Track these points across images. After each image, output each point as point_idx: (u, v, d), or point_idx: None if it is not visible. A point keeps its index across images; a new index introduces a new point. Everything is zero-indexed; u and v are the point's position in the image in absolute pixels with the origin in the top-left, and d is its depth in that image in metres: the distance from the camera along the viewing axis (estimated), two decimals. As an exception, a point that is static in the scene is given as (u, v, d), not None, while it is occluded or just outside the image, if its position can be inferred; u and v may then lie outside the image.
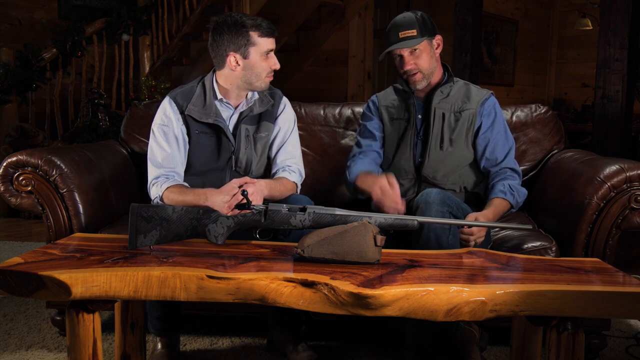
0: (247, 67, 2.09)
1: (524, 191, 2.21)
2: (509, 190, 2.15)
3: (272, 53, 2.11)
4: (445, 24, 5.87)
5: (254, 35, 2.06)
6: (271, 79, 2.15)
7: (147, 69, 6.01)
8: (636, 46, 4.08)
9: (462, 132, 2.21)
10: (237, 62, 2.08)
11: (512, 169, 2.22)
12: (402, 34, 2.14)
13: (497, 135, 2.23)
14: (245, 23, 2.06)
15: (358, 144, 2.37)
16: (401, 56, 2.18)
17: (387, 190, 1.98)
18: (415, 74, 2.18)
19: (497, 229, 2.23)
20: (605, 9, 4.11)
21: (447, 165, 2.21)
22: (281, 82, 6.40)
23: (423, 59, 2.17)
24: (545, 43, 8.47)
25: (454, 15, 5.23)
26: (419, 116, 2.26)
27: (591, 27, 7.13)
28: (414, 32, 2.13)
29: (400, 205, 1.97)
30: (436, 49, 2.22)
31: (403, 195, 2.22)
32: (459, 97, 2.24)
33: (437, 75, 2.25)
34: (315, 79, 6.79)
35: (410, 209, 2.04)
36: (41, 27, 5.97)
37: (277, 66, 2.13)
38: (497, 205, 2.12)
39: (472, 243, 1.97)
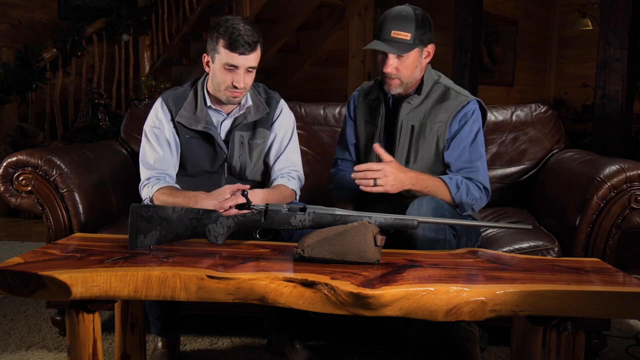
0: (212, 73, 2.06)
1: (476, 195, 1.98)
2: (457, 183, 1.95)
3: (239, 70, 1.99)
4: (445, 24, 5.88)
5: (221, 43, 1.98)
6: (235, 95, 2.04)
7: (147, 69, 6.01)
8: (636, 46, 4.08)
9: (432, 146, 2.05)
10: (207, 64, 2.06)
11: (476, 180, 2.00)
12: (394, 34, 1.95)
13: (463, 142, 2.02)
14: (222, 29, 1.97)
15: (339, 146, 2.32)
16: (385, 55, 1.99)
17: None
18: (393, 79, 2.01)
19: (492, 228, 2.23)
20: (605, 9, 4.10)
21: None
22: (281, 82, 6.42)
23: (406, 66, 1.99)
24: (545, 43, 8.47)
25: (454, 15, 5.23)
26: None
27: (591, 27, 7.13)
28: (407, 36, 1.95)
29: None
30: (425, 58, 2.04)
31: (383, 202, 2.10)
32: (432, 106, 2.06)
33: (416, 83, 2.08)
34: (315, 79, 6.78)
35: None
36: (41, 27, 5.97)
37: (239, 84, 2.00)
38: (432, 178, 1.94)
39: (368, 182, 1.82)
